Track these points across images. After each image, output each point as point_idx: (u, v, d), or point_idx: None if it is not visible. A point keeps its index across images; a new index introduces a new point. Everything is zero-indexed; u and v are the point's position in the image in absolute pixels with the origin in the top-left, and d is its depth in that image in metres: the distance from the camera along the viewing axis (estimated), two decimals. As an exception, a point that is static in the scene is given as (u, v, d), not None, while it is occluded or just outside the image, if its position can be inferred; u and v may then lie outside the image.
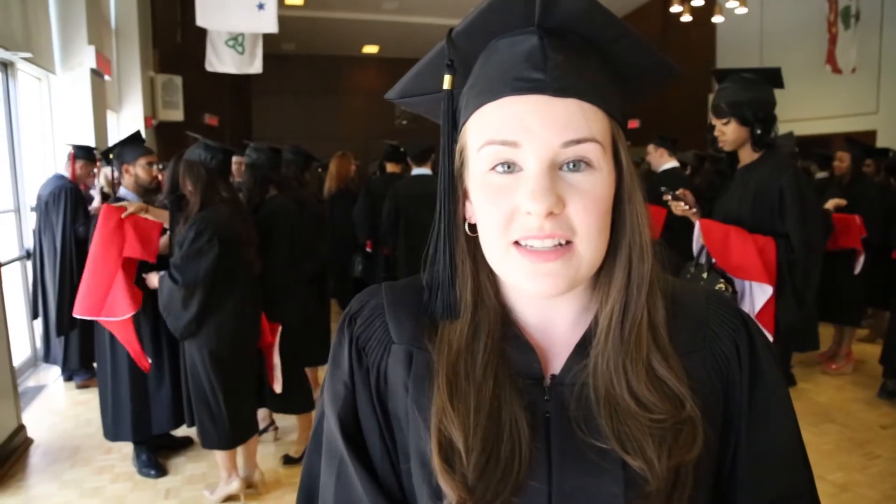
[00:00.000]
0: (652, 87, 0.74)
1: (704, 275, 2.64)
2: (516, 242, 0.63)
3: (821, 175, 5.90)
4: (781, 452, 0.72)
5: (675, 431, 0.64)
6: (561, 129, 0.61)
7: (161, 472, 3.51)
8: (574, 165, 0.62)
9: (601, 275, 0.68)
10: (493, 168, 0.64)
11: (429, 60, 0.70)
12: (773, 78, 2.62)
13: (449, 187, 0.67)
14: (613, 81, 0.67)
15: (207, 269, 2.82)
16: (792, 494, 0.72)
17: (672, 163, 5.03)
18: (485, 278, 0.71)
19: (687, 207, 2.85)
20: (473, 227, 0.68)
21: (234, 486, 3.19)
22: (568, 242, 0.63)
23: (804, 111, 8.96)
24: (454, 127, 0.69)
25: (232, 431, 3.06)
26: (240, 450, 3.21)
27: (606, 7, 0.64)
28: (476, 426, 0.65)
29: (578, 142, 0.62)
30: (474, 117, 0.66)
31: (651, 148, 5.15)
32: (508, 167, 0.63)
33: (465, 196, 0.69)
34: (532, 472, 0.65)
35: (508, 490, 0.64)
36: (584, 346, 0.69)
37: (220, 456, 3.14)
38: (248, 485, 3.27)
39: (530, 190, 0.61)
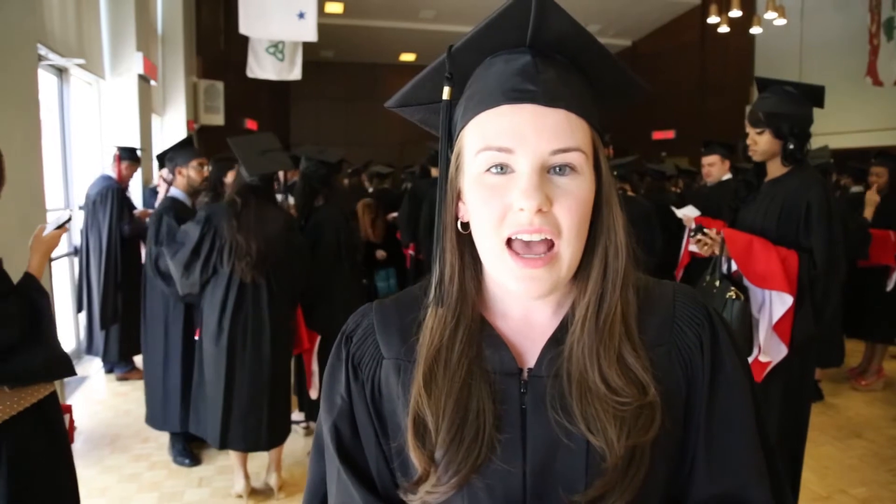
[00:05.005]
0: (624, 103, 0.82)
1: (717, 283, 2.63)
2: (509, 242, 0.70)
3: (856, 189, 5.81)
4: (740, 444, 0.77)
5: (636, 415, 0.71)
6: (551, 137, 0.69)
7: (195, 461, 3.66)
8: (560, 169, 0.70)
9: (579, 271, 0.75)
10: (488, 170, 0.71)
11: (428, 73, 0.78)
12: (814, 96, 2.57)
13: (447, 189, 0.75)
14: (594, 97, 0.76)
15: (186, 247, 3.03)
16: (747, 484, 0.76)
17: (729, 174, 4.81)
18: (470, 274, 0.78)
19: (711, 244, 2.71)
20: (465, 226, 0.76)
21: (237, 486, 3.27)
22: (551, 247, 0.70)
23: (843, 124, 8.80)
24: (451, 133, 0.76)
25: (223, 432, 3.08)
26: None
27: (597, 25, 0.72)
28: (445, 409, 0.73)
29: (565, 150, 0.70)
30: (471, 124, 0.73)
31: (717, 159, 4.82)
32: (502, 169, 0.70)
33: (459, 197, 0.76)
34: (506, 457, 0.73)
35: (468, 468, 0.72)
36: (559, 335, 0.77)
37: (231, 452, 3.23)
38: (265, 486, 3.35)
39: (522, 189, 0.68)
